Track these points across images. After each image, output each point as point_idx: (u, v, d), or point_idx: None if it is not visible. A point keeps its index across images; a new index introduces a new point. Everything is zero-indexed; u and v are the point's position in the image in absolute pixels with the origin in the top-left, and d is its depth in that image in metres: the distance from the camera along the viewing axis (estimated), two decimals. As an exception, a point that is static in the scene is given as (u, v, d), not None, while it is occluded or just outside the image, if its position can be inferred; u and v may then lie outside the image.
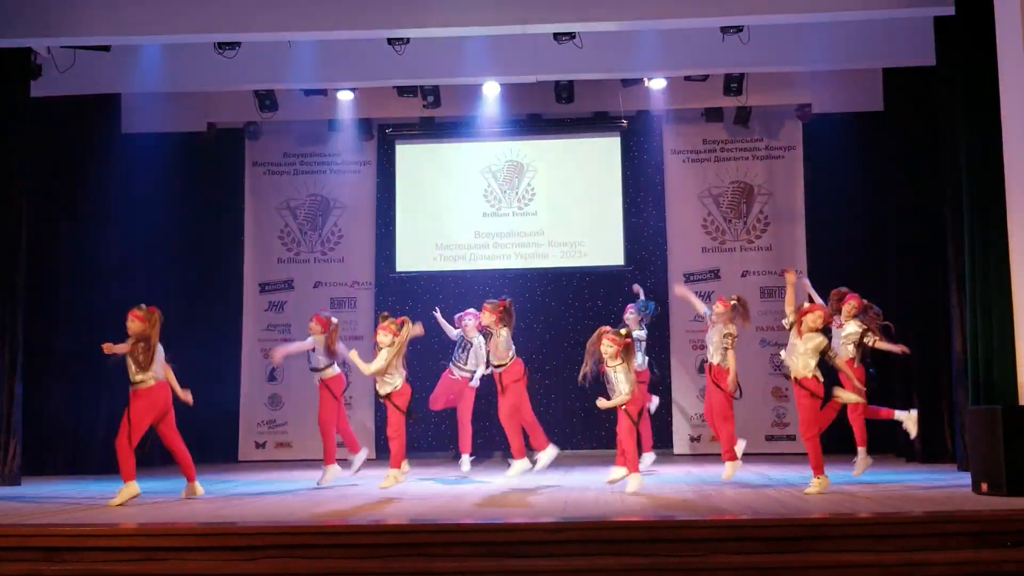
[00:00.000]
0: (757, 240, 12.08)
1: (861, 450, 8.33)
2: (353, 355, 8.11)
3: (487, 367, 8.89)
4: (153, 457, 11.51)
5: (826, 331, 7.54)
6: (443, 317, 9.54)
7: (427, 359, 10.47)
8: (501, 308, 8.37)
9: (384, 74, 10.61)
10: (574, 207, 12.29)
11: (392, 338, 7.73)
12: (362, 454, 8.83)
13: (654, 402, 9.69)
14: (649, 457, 9.43)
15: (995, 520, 5.74)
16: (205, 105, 11.86)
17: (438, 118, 12.12)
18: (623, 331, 7.75)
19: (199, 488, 7.75)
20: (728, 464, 8.29)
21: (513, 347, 8.46)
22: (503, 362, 8.38)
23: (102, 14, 9.20)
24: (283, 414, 12.09)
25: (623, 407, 7.55)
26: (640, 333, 9.24)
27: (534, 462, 8.50)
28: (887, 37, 10.00)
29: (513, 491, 7.92)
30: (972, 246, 7.84)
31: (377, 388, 7.96)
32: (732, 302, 8.45)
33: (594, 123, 12.27)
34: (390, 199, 12.49)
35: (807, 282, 8.91)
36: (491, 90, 11.44)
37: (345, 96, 11.66)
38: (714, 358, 8.50)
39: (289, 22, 9.22)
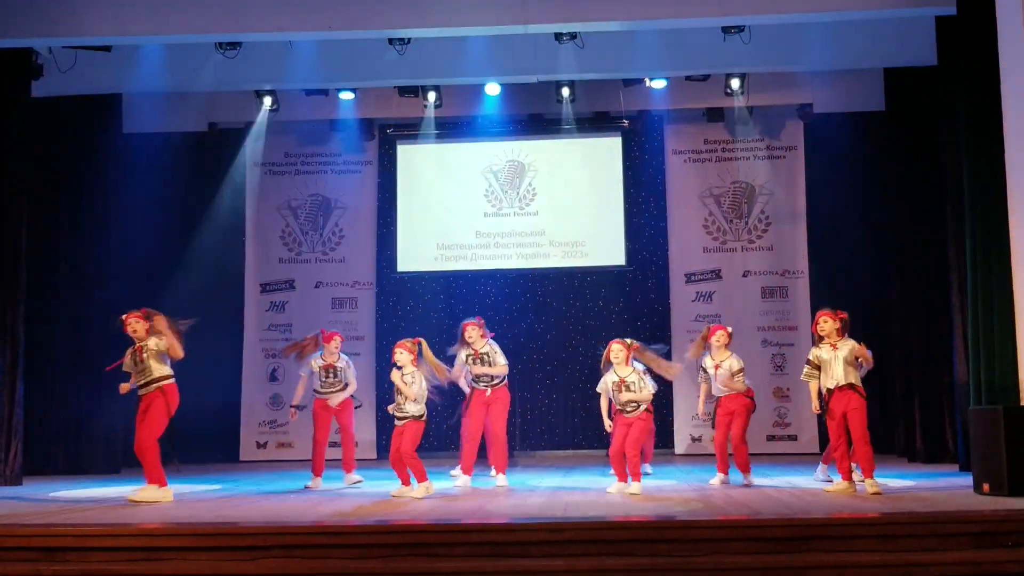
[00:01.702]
0: (758, 240, 12.07)
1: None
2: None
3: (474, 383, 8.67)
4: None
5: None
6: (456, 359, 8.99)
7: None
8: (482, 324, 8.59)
9: (385, 74, 10.61)
10: (575, 207, 12.28)
11: (409, 356, 7.51)
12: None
13: None
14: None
15: (996, 520, 5.75)
16: (206, 105, 11.86)
17: (439, 118, 12.12)
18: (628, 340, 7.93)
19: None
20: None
21: None
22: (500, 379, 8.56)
23: (103, 14, 9.20)
24: (284, 414, 12.07)
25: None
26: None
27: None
28: (888, 37, 10.01)
29: (514, 492, 7.92)
30: (973, 246, 7.84)
31: (397, 416, 7.58)
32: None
33: (595, 123, 12.26)
34: (391, 199, 12.48)
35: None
36: (492, 90, 11.44)
37: (346, 96, 11.66)
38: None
39: (290, 22, 9.22)
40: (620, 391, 7.71)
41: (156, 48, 10.27)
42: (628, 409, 7.73)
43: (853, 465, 7.53)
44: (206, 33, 9.38)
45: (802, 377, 7.66)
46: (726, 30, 9.61)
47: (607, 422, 7.86)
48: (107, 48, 9.89)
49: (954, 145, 8.56)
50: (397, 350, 7.57)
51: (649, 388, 7.78)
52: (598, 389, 7.93)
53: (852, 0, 8.93)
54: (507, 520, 6.11)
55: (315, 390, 8.81)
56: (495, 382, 8.60)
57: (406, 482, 7.66)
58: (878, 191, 11.47)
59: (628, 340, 7.90)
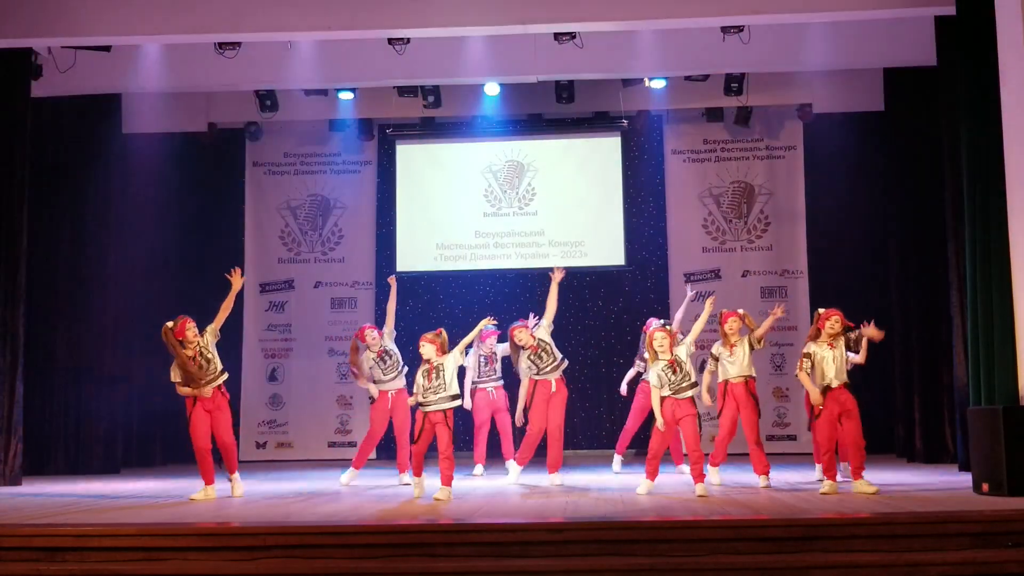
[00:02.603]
0: (758, 240, 12.08)
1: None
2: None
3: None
4: (153, 457, 11.59)
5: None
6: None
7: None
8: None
9: (385, 74, 10.61)
10: (574, 207, 12.29)
11: (433, 347, 7.36)
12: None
13: None
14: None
15: (996, 520, 5.74)
16: (206, 105, 11.86)
17: (439, 118, 12.12)
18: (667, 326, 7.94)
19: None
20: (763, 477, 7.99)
21: None
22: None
23: (103, 14, 9.20)
24: (283, 414, 12.10)
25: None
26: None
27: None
28: (888, 37, 10.00)
29: (514, 491, 7.92)
30: (973, 246, 7.84)
31: (431, 402, 7.30)
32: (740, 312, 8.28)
33: (595, 123, 12.27)
34: (391, 199, 12.48)
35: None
36: (492, 90, 11.45)
37: (346, 96, 11.66)
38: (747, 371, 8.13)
39: (289, 22, 9.22)
40: (675, 371, 7.39)
41: (155, 48, 10.26)
42: (684, 386, 7.37)
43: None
44: (205, 33, 9.37)
45: (798, 373, 7.45)
46: (725, 30, 9.60)
47: (660, 420, 7.43)
48: (106, 48, 9.89)
49: (953, 145, 8.57)
50: (422, 343, 7.37)
51: (688, 342, 7.59)
52: (653, 385, 7.47)
53: (851, 0, 8.94)
54: (507, 520, 6.11)
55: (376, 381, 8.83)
56: (562, 366, 8.61)
57: (419, 472, 7.53)
58: (877, 191, 11.49)
59: (667, 327, 7.85)
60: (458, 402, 7.37)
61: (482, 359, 9.42)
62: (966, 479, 7.49)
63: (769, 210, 12.09)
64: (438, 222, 12.38)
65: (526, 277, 12.34)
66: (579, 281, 12.32)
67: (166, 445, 11.60)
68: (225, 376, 7.86)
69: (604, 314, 12.16)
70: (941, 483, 7.87)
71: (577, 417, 11.97)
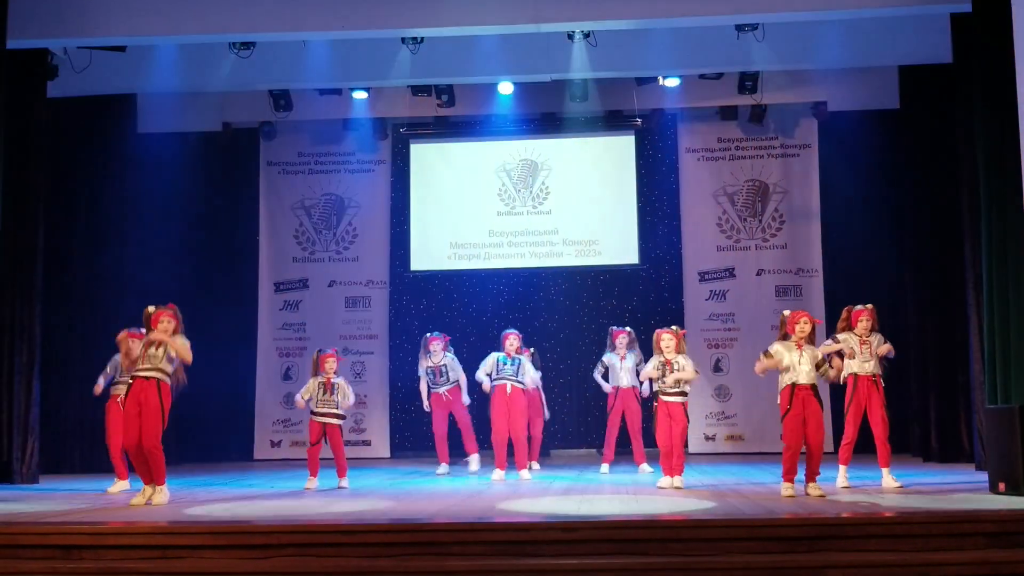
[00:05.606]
0: (772, 239, 12.03)
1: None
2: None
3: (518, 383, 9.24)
4: (168, 456, 11.60)
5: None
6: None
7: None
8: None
9: (398, 73, 10.62)
10: (588, 206, 12.28)
11: (336, 362, 8.67)
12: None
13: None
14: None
15: (1013, 520, 5.72)
16: (220, 105, 11.89)
17: (452, 117, 12.12)
18: (673, 327, 8.08)
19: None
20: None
21: None
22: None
23: (118, 15, 9.24)
24: (298, 413, 12.08)
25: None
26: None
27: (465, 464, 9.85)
28: (903, 35, 9.96)
29: (527, 490, 7.92)
30: (989, 245, 7.79)
31: (322, 413, 8.56)
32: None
33: (608, 122, 12.24)
34: (404, 198, 12.49)
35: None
36: (505, 89, 11.44)
37: (359, 95, 11.67)
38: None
39: (304, 22, 9.24)
40: (667, 372, 7.79)
41: (170, 48, 10.30)
42: (671, 390, 7.76)
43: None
44: (220, 33, 9.41)
45: (757, 370, 7.35)
46: (740, 28, 9.58)
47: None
48: (122, 48, 9.93)
49: (969, 143, 8.52)
50: (328, 359, 8.55)
51: (691, 367, 7.85)
52: (644, 375, 8.12)
53: (866, -3, 8.91)
54: (520, 519, 6.11)
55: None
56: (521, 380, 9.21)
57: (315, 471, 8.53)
58: (892, 189, 11.43)
59: (674, 328, 8.02)
60: (343, 420, 8.62)
61: (430, 371, 9.69)
62: (982, 478, 7.45)
63: (784, 208, 12.04)
64: (452, 221, 12.39)
65: (540, 276, 12.34)
66: (592, 280, 12.32)
67: (180, 443, 11.61)
68: (157, 375, 7.12)
69: (618, 313, 12.13)
70: (957, 483, 7.84)
71: (591, 416, 11.98)
